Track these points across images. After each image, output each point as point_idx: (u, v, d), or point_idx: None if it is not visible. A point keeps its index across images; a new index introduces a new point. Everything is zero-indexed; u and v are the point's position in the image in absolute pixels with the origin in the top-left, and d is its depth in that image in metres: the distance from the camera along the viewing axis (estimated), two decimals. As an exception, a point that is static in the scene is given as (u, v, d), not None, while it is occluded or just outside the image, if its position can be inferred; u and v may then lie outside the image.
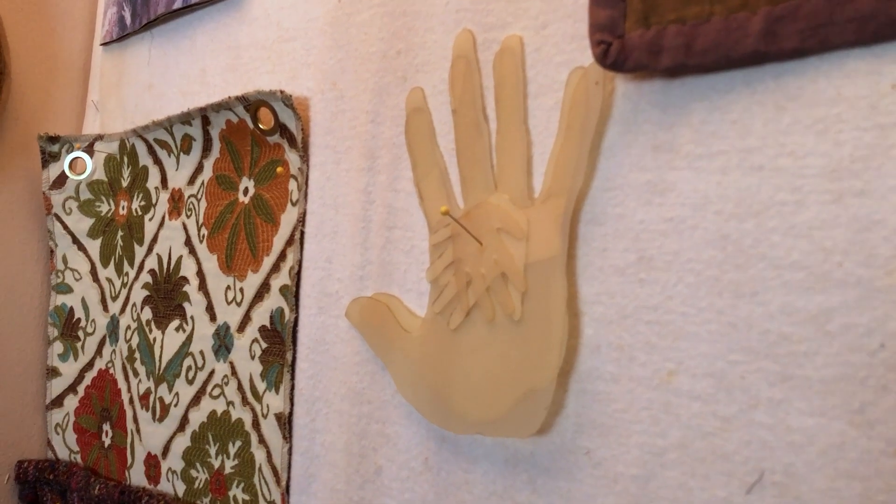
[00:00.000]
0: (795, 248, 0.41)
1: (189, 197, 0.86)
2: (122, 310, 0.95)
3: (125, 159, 0.97)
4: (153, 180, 0.92)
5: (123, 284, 0.95)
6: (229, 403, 0.77)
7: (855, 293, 0.39)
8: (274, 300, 0.74)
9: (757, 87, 0.43)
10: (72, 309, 1.02)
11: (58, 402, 1.02)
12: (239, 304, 0.78)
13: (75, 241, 1.01)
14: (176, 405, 0.83)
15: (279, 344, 0.72)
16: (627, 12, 0.47)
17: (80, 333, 1.01)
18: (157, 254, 0.89)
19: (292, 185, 0.73)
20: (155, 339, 0.88)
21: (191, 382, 0.82)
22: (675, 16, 0.45)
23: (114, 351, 0.96)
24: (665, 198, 0.47)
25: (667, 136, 0.47)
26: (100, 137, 1.00)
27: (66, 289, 1.02)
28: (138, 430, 0.89)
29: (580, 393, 0.50)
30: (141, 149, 0.94)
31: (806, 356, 0.40)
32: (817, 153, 0.41)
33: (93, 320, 0.99)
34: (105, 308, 0.98)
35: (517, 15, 0.56)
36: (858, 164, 0.39)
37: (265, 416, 0.73)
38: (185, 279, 0.85)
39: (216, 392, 0.79)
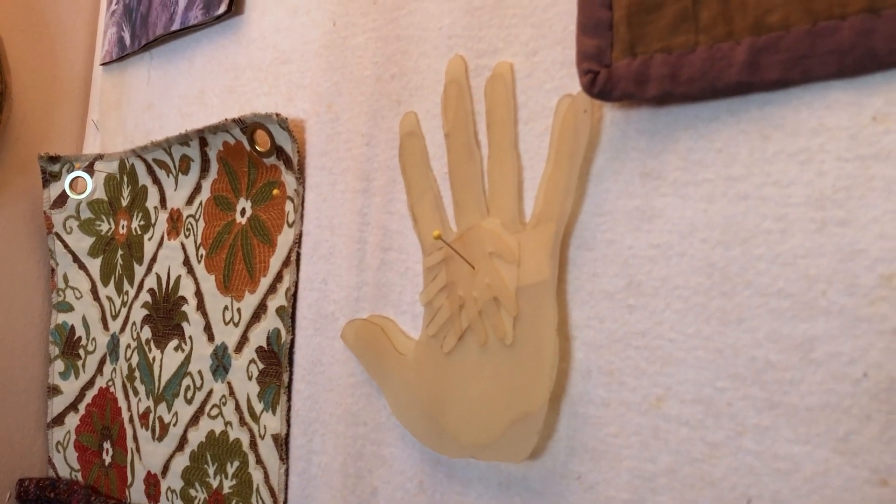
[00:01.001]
0: (781, 275, 0.41)
1: (187, 217, 0.87)
2: (123, 328, 0.95)
3: (125, 179, 0.98)
4: (152, 200, 0.93)
5: (123, 303, 0.96)
6: (227, 424, 0.78)
7: (838, 322, 0.39)
8: (271, 321, 0.74)
9: (742, 117, 0.44)
10: (73, 327, 1.02)
11: (59, 420, 1.02)
12: (236, 325, 0.78)
13: (76, 259, 1.02)
14: (175, 424, 0.84)
15: (276, 365, 0.73)
16: (614, 41, 0.48)
17: (81, 352, 1.01)
18: (157, 273, 0.90)
19: (289, 206, 0.74)
20: (154, 359, 0.88)
21: (189, 402, 0.83)
22: (660, 45, 0.46)
23: (114, 369, 0.96)
24: (653, 224, 0.47)
25: (654, 163, 0.47)
26: (100, 157, 1.01)
27: (66, 307, 1.03)
28: (138, 449, 0.89)
29: (572, 416, 0.50)
30: (140, 169, 0.95)
31: (791, 384, 0.41)
32: (801, 182, 0.41)
33: (93, 339, 1.00)
34: (105, 327, 0.99)
35: (508, 41, 0.57)
36: (841, 194, 0.40)
37: (262, 437, 0.73)
38: (183, 299, 0.85)
39: (214, 412, 0.79)
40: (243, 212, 0.79)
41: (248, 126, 0.75)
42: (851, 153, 0.39)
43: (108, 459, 0.96)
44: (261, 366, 0.75)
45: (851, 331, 0.39)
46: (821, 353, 0.40)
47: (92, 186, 1.01)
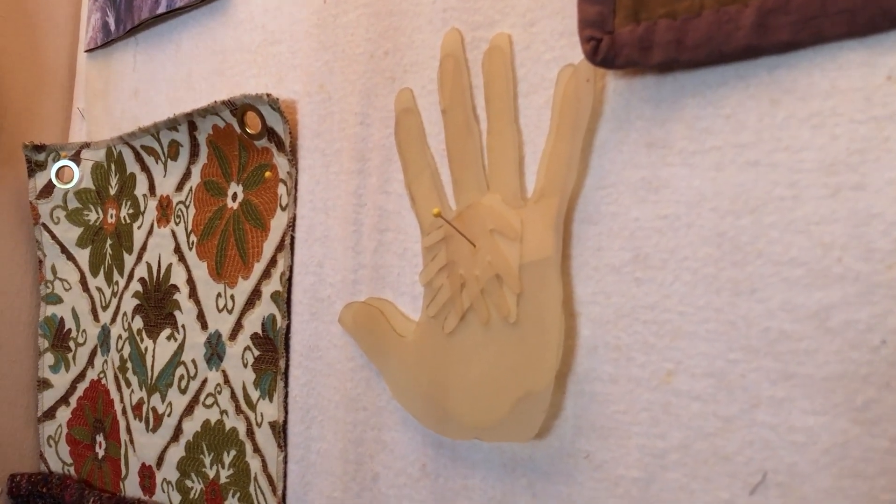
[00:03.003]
0: (794, 244, 0.40)
1: (177, 203, 0.85)
2: (113, 319, 0.94)
3: (112, 167, 0.96)
4: (141, 187, 0.91)
5: (114, 294, 0.94)
6: (223, 412, 0.76)
7: (855, 289, 0.38)
8: (265, 307, 0.73)
9: (750, 81, 0.42)
10: (62, 319, 1.00)
11: (50, 413, 1.01)
12: (230, 312, 0.77)
13: (64, 250, 1.00)
14: (169, 415, 0.82)
15: (272, 351, 0.71)
16: (616, 8, 0.46)
17: (71, 344, 1.00)
18: (147, 262, 0.88)
19: (281, 189, 0.72)
20: (146, 349, 0.87)
21: (183, 392, 0.81)
22: (664, 10, 0.45)
23: (105, 361, 0.95)
24: (659, 195, 0.46)
25: (660, 132, 0.46)
26: (86, 145, 0.99)
27: (55, 299, 1.01)
28: (132, 441, 0.88)
29: (578, 395, 0.49)
30: (128, 156, 0.93)
31: (807, 354, 0.40)
32: (813, 147, 0.40)
33: (83, 330, 0.98)
34: (96, 318, 0.97)
35: (505, 13, 0.55)
36: (855, 158, 0.39)
37: (259, 425, 0.72)
38: (175, 287, 0.84)
39: (209, 401, 0.78)
40: (235, 196, 0.78)
41: (239, 108, 0.73)
42: (865, 115, 0.38)
43: (101, 453, 0.94)
44: (256, 353, 0.73)
45: (868, 297, 0.38)
46: (837, 322, 0.39)
47: (79, 175, 0.99)
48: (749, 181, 0.42)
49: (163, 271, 0.86)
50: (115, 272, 0.94)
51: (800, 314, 0.40)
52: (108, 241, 0.96)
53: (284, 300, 0.70)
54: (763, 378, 0.41)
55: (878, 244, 0.38)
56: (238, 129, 0.75)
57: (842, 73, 0.39)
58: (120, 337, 0.92)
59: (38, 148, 1.00)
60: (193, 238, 0.82)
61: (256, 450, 0.72)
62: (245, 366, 0.74)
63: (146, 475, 0.85)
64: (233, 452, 0.75)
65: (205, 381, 0.79)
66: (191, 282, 0.82)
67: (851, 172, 0.39)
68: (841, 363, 0.39)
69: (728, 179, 0.43)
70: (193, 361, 0.80)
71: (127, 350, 0.90)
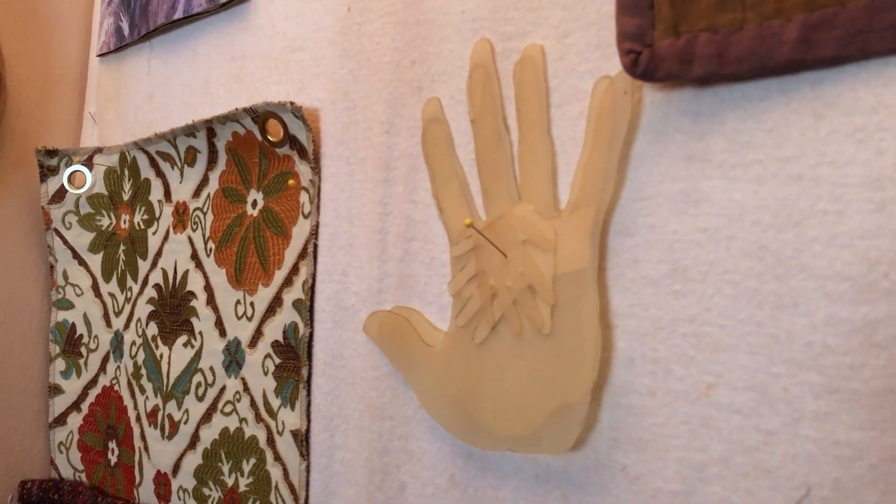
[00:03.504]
0: (838, 258, 0.40)
1: (194, 210, 0.85)
2: (126, 325, 0.93)
3: (126, 172, 0.95)
4: (156, 193, 0.91)
5: (127, 300, 0.94)
6: (242, 420, 0.76)
7: (902, 304, 0.38)
8: (287, 314, 0.72)
9: (793, 96, 0.43)
10: (73, 325, 1.00)
11: (61, 420, 1.00)
12: (250, 319, 0.76)
13: (76, 255, 1.00)
14: (186, 422, 0.82)
15: (294, 359, 0.71)
16: (656, 21, 0.47)
17: (83, 350, 0.99)
18: (162, 268, 0.88)
19: (304, 197, 0.72)
20: (162, 356, 0.86)
21: (201, 399, 0.81)
22: (706, 24, 0.45)
23: (118, 367, 0.94)
24: (699, 208, 0.46)
25: (699, 145, 0.46)
26: (99, 150, 0.98)
27: (67, 305, 1.00)
28: (146, 448, 0.87)
29: (614, 407, 0.49)
30: (142, 161, 0.92)
31: (852, 368, 0.40)
32: (858, 162, 0.40)
33: (95, 336, 0.98)
34: (108, 324, 0.96)
35: (537, 24, 0.55)
36: (902, 173, 0.39)
37: (280, 433, 0.72)
38: (192, 294, 0.83)
39: (228, 409, 0.78)
40: (255, 203, 0.77)
41: (260, 115, 0.73)
42: (913, 131, 0.38)
43: (113, 459, 0.94)
44: (277, 360, 0.73)
45: (917, 313, 0.38)
46: (883, 336, 0.39)
47: (91, 180, 0.99)
48: (792, 195, 0.42)
49: (179, 278, 0.85)
50: (129, 278, 0.94)
51: (844, 328, 0.40)
52: (122, 247, 0.95)
53: (307, 308, 0.70)
54: (806, 392, 0.41)
55: (926, 260, 0.38)
56: (259, 137, 0.75)
57: (888, 88, 0.39)
58: (134, 343, 0.91)
59: (51, 153, 1.00)
60: (211, 245, 0.82)
61: (277, 458, 0.72)
62: (266, 373, 0.74)
63: (161, 482, 0.85)
64: (252, 460, 0.74)
65: (223, 389, 0.78)
66: (208, 288, 0.81)
67: (898, 188, 0.39)
68: (888, 378, 0.39)
69: (770, 193, 0.43)
70: (211, 368, 0.80)
71: (141, 356, 0.89)
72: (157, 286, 0.88)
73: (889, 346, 0.39)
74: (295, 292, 0.72)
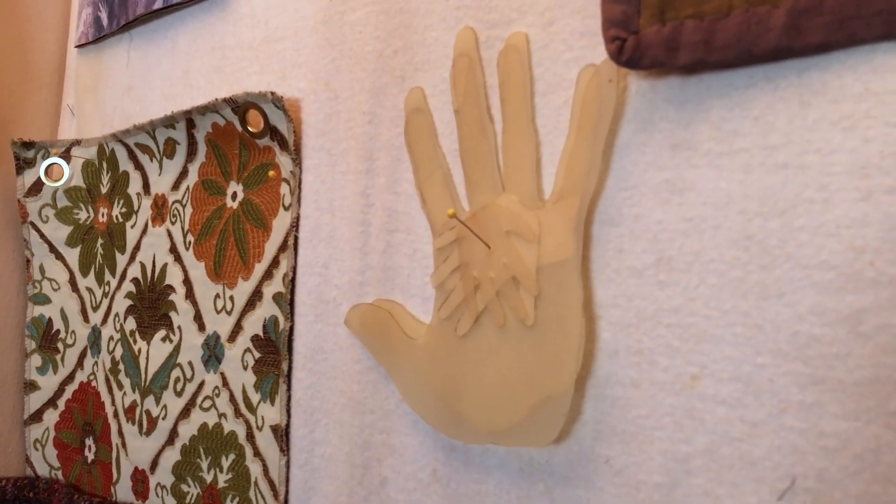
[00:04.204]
0: (824, 247, 0.40)
1: (173, 203, 0.83)
2: (104, 320, 0.92)
3: (104, 165, 0.94)
4: (134, 186, 0.89)
5: (105, 294, 0.92)
6: (221, 416, 0.75)
7: (888, 293, 0.38)
8: (267, 308, 0.71)
9: (779, 83, 0.42)
10: (50, 320, 0.98)
11: (37, 416, 0.98)
12: (229, 313, 0.75)
13: (53, 249, 0.98)
14: (164, 418, 0.81)
15: (274, 353, 0.70)
16: (641, 8, 0.46)
17: (60, 345, 0.97)
18: (141, 262, 0.87)
19: (284, 188, 0.71)
20: (140, 350, 0.85)
21: (179, 394, 0.79)
22: (692, 11, 0.44)
23: (96, 363, 0.92)
24: (684, 197, 0.45)
25: (684, 133, 0.46)
26: (77, 142, 0.97)
27: (43, 299, 0.99)
28: (124, 445, 0.86)
29: (598, 399, 0.49)
30: (121, 154, 0.91)
31: (838, 358, 0.39)
32: (845, 150, 0.40)
33: (73, 331, 0.96)
34: (86, 319, 0.95)
35: (521, 12, 0.54)
36: (889, 161, 0.38)
37: (260, 429, 0.71)
38: (170, 288, 0.82)
39: (207, 404, 0.76)
40: (234, 196, 0.76)
41: (240, 106, 0.72)
42: (900, 118, 0.38)
43: (90, 456, 0.92)
44: (257, 355, 0.72)
45: (903, 302, 0.37)
46: (869, 326, 0.38)
47: (69, 173, 0.97)
48: (778, 184, 0.42)
49: (157, 271, 0.84)
50: (107, 272, 0.92)
51: (830, 318, 0.40)
52: (100, 241, 0.94)
53: (287, 301, 0.69)
54: (792, 382, 0.41)
55: (912, 248, 0.37)
56: (239, 128, 0.74)
57: (876, 75, 0.39)
58: (111, 338, 0.90)
59: (27, 145, 0.98)
60: (191, 238, 0.80)
61: (257, 454, 0.71)
62: (245, 368, 0.73)
63: (139, 479, 0.84)
64: (232, 456, 0.73)
65: (202, 384, 0.77)
66: (187, 282, 0.80)
67: (885, 176, 0.38)
68: (873, 368, 0.38)
69: (756, 182, 0.43)
70: (190, 363, 0.79)
71: (119, 352, 0.88)
72: (135, 280, 0.87)
73: (874, 335, 0.38)
74: (275, 285, 0.71)
